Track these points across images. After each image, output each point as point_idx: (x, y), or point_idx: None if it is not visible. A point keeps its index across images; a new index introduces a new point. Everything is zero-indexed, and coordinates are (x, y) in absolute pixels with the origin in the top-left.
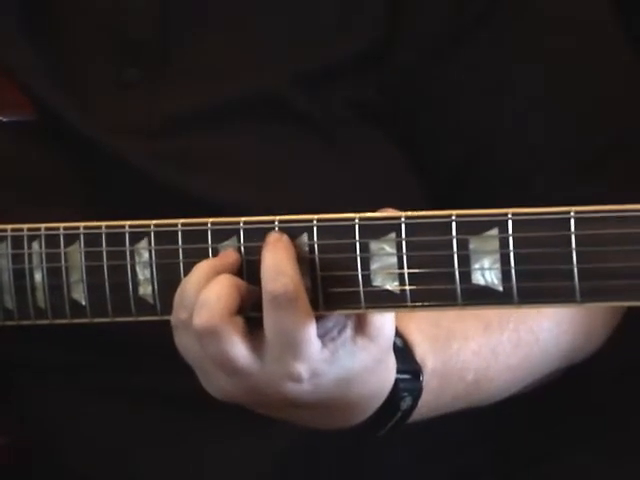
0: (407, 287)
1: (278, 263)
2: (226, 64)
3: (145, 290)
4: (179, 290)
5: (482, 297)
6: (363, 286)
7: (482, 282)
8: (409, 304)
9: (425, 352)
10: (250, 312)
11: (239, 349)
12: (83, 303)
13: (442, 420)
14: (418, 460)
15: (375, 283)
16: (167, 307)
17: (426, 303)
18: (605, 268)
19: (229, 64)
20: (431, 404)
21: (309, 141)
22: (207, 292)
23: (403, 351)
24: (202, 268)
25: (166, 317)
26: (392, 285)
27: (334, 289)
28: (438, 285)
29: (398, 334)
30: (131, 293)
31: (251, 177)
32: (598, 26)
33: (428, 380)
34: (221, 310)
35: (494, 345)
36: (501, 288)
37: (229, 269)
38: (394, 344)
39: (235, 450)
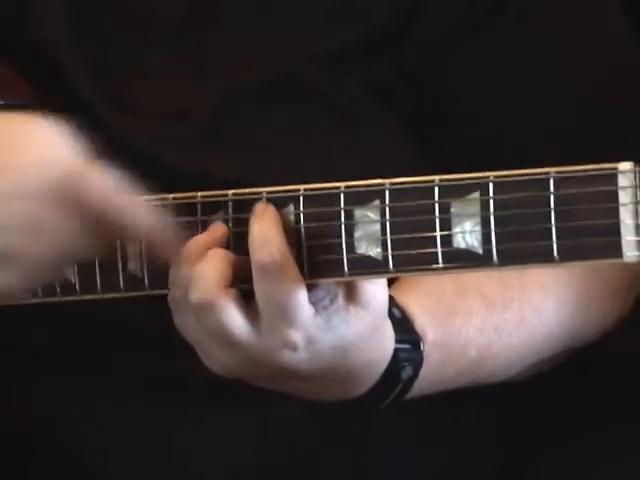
0: (389, 253)
1: (264, 232)
2: (243, 48)
3: (134, 265)
4: (172, 269)
5: (463, 260)
6: (347, 253)
7: (463, 245)
8: (391, 269)
9: (425, 323)
10: (241, 285)
11: (235, 320)
12: (73, 280)
13: (438, 408)
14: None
15: (359, 250)
16: (155, 281)
17: (407, 267)
18: (582, 226)
19: (246, 47)
20: (433, 378)
21: (326, 123)
22: (200, 267)
23: (402, 322)
24: (193, 245)
25: (154, 292)
26: (375, 251)
27: (318, 257)
28: (420, 250)
29: (397, 306)
30: (120, 268)
31: (267, 158)
32: (608, 18)
33: (429, 351)
34: (215, 283)
35: (497, 323)
36: (481, 251)
37: (219, 243)
38: (393, 315)
39: (226, 430)
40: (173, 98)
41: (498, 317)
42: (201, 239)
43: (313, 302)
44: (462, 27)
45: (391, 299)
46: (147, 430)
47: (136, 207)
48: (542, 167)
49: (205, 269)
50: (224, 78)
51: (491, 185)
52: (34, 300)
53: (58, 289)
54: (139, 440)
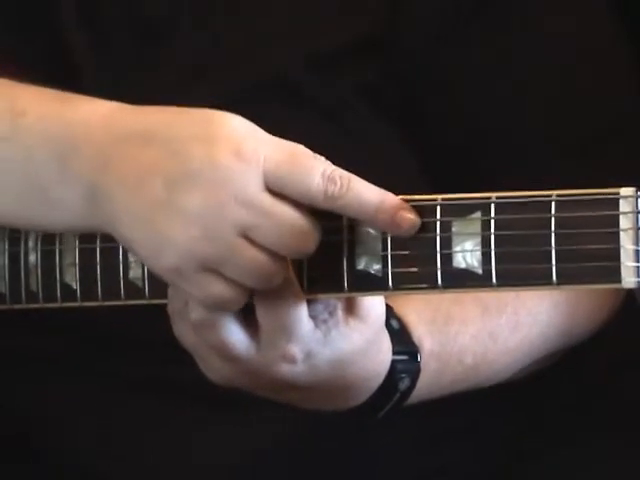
0: (389, 269)
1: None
2: (233, 49)
3: (135, 273)
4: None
5: (462, 280)
6: (347, 269)
7: (463, 265)
8: (390, 287)
9: (422, 334)
10: None
11: (235, 336)
12: (74, 287)
13: (435, 409)
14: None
15: (359, 266)
16: (155, 290)
17: (407, 286)
18: (582, 250)
19: (236, 49)
20: (430, 387)
21: (321, 127)
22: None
23: (400, 332)
24: None
25: (154, 301)
26: (374, 268)
27: (318, 272)
28: (420, 268)
29: (395, 316)
30: (121, 276)
31: None
32: (597, 12)
33: (426, 361)
34: None
35: (492, 329)
36: (480, 271)
37: None
38: (391, 326)
39: (221, 436)
40: (169, 100)
41: (494, 323)
42: None
43: (312, 316)
44: (449, 27)
45: (389, 309)
46: (146, 432)
47: (357, 185)
48: (529, 168)
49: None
50: (221, 82)
51: (493, 206)
52: (34, 305)
53: (59, 295)
54: (138, 442)
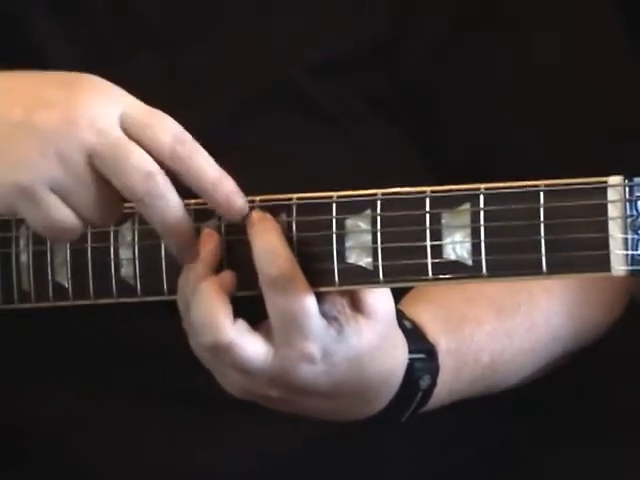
0: (380, 262)
1: (269, 245)
2: (242, 56)
3: (127, 271)
4: (179, 295)
5: (452, 271)
6: (337, 263)
7: (453, 256)
8: (381, 280)
9: (437, 332)
10: (238, 293)
11: (251, 350)
12: (66, 285)
13: (440, 412)
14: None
15: (349, 260)
16: (147, 288)
17: (398, 278)
18: (571, 239)
19: (245, 56)
20: (450, 386)
21: (325, 135)
22: (199, 310)
23: (413, 332)
24: (192, 269)
25: (145, 299)
26: (365, 261)
27: (309, 266)
28: (410, 260)
29: (407, 318)
30: (113, 274)
31: (267, 171)
32: (602, 21)
33: (444, 360)
34: (222, 325)
35: (508, 329)
36: (470, 262)
37: (214, 254)
38: (404, 327)
39: (234, 440)
40: (170, 110)
41: (509, 323)
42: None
43: (322, 314)
44: (454, 35)
45: (401, 313)
46: (156, 438)
47: (202, 156)
48: (541, 174)
49: (207, 312)
50: (221, 91)
51: (482, 197)
52: (26, 305)
53: (50, 294)
54: (150, 448)
